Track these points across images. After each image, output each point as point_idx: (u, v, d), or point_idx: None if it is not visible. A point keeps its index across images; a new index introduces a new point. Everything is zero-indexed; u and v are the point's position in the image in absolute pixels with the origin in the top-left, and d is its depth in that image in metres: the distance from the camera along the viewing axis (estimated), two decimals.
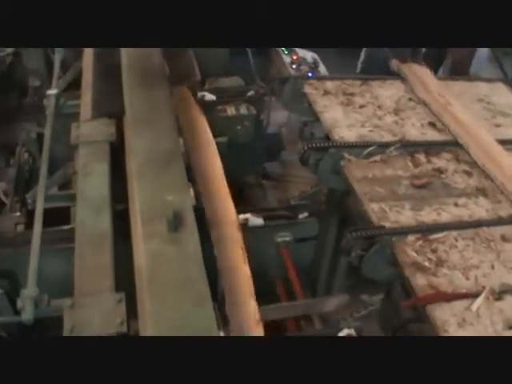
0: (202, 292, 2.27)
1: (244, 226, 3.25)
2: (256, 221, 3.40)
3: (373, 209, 2.94)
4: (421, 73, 3.97)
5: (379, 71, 4.16)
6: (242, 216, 3.32)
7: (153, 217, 2.53)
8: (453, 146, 3.32)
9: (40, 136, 4.16)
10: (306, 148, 3.28)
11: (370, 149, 3.28)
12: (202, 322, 2.18)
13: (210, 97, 3.98)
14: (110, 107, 3.33)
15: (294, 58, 5.36)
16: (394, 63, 4.10)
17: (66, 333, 2.22)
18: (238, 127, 3.83)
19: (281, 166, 4.58)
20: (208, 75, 4.39)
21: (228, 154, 3.84)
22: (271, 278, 3.41)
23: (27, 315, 2.28)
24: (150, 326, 2.18)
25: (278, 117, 4.21)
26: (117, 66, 3.66)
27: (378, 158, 3.26)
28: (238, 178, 4.20)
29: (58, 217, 3.16)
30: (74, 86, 3.94)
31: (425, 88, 3.80)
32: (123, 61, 3.66)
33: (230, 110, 3.87)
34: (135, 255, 2.50)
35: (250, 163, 4.12)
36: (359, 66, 5.88)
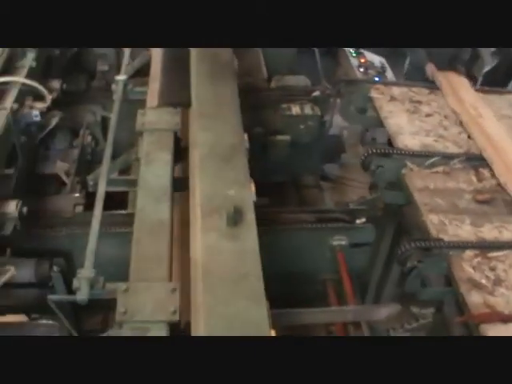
0: (256, 289, 2.26)
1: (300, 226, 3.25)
2: None
3: (432, 220, 2.90)
4: (456, 82, 3.90)
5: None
6: None
7: (213, 210, 2.53)
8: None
9: (104, 119, 4.22)
10: (368, 153, 3.26)
11: (434, 159, 3.24)
12: (254, 319, 2.17)
13: None
14: (177, 97, 3.36)
15: (362, 61, 5.33)
16: (429, 69, 4.03)
17: (118, 316, 2.25)
18: (302, 126, 3.81)
19: (340, 169, 4.55)
20: (274, 73, 4.38)
21: (289, 153, 3.85)
22: (322, 280, 3.38)
23: (82, 295, 2.31)
24: (202, 319, 2.18)
25: (340, 119, 4.17)
26: (186, 57, 3.68)
27: (440, 169, 3.22)
28: (297, 177, 4.19)
29: (115, 201, 3.19)
30: (141, 72, 3.98)
31: (457, 98, 3.72)
32: (192, 52, 3.68)
33: (295, 109, 3.86)
34: (192, 247, 2.50)
35: (310, 163, 4.10)
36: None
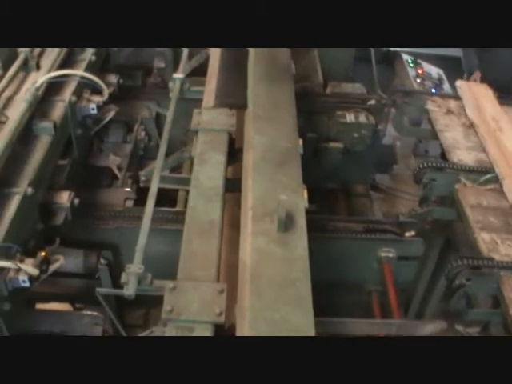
0: (304, 295, 2.24)
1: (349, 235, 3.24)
2: None
3: (483, 238, 2.86)
4: (478, 92, 3.82)
5: None
6: None
7: (264, 214, 2.52)
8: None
9: (158, 116, 4.26)
10: (422, 166, 3.22)
11: (489, 176, 3.18)
12: (300, 326, 2.15)
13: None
14: (233, 98, 3.36)
15: (419, 71, 5.27)
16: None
17: (164, 314, 2.25)
18: (355, 135, 3.79)
19: (391, 180, 4.50)
20: (330, 78, 4.36)
21: (341, 160, 3.83)
22: (367, 291, 3.36)
23: (130, 290, 2.32)
24: (247, 322, 2.18)
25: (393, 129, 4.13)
26: (244, 57, 3.69)
27: (495, 186, 3.16)
28: (347, 185, 4.16)
29: (164, 198, 3.21)
30: (198, 72, 4.01)
31: (478, 109, 3.64)
32: (251, 53, 3.68)
33: (349, 117, 3.84)
34: (241, 248, 2.50)
35: (361, 172, 4.08)
36: None
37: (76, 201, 3.07)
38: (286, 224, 2.45)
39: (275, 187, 2.66)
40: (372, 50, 4.99)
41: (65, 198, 3.04)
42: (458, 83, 3.97)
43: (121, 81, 3.97)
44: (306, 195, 2.66)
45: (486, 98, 3.81)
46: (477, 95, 3.81)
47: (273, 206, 2.51)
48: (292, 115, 3.13)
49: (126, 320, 3.61)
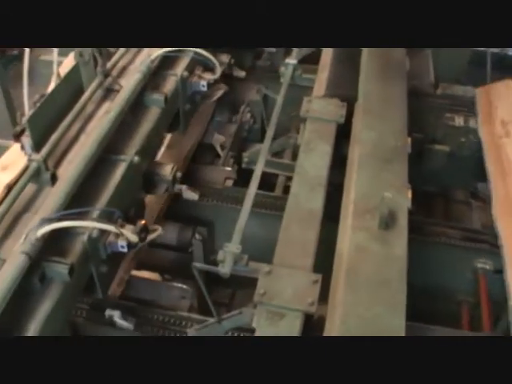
0: (398, 296, 2.23)
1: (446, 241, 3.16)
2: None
3: None
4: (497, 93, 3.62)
5: None
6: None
7: (366, 210, 2.51)
8: None
9: (265, 99, 4.27)
10: None
11: None
12: (391, 327, 2.13)
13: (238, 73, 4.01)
14: (344, 90, 3.33)
15: None
16: None
17: (256, 297, 2.27)
18: (463, 139, 3.69)
19: None
20: (442, 79, 4.26)
21: (445, 164, 3.74)
22: (458, 301, 3.27)
23: (226, 269, 2.35)
24: (338, 316, 2.17)
25: None
26: (357, 50, 3.65)
27: None
28: (447, 190, 4.07)
29: (262, 181, 3.22)
30: (308, 59, 3.99)
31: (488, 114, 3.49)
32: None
33: (458, 120, 3.74)
34: (339, 242, 2.49)
35: (464, 178, 3.97)
36: None
37: (178, 174, 3.12)
38: (388, 222, 2.42)
39: (379, 184, 2.63)
40: (488, 53, 4.84)
41: (168, 170, 3.09)
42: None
43: (232, 61, 3.99)
44: (410, 195, 2.62)
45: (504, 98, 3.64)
46: (492, 97, 3.65)
47: (375, 202, 2.49)
48: (403, 113, 3.08)
49: (212, 297, 3.66)
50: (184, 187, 3.20)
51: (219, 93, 3.81)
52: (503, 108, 3.60)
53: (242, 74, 4.15)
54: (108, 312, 2.73)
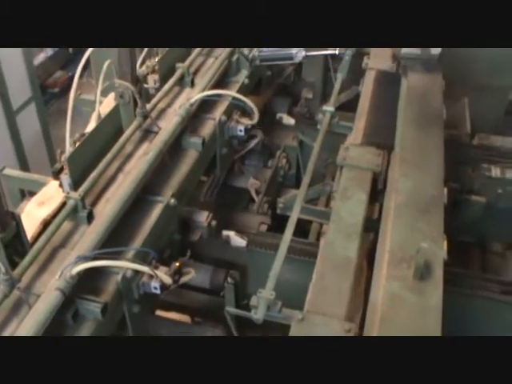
0: None
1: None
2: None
3: None
4: None
5: None
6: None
7: (401, 259, 2.48)
8: None
9: (301, 145, 4.30)
10: None
11: None
12: None
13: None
14: (381, 138, 3.33)
15: None
16: None
17: None
18: (499, 191, 3.64)
19: None
20: (478, 129, 4.25)
21: (481, 215, 3.70)
22: None
23: (259, 314, 2.35)
24: None
25: None
26: (395, 97, 3.66)
27: None
28: (484, 241, 4.01)
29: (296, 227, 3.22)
30: (346, 106, 4.02)
31: None
32: (402, 94, 3.65)
33: (495, 171, 3.69)
34: (373, 290, 2.46)
35: (501, 229, 3.90)
36: None
37: (213, 222, 3.14)
38: (423, 272, 2.39)
39: (415, 234, 2.61)
40: None
41: (204, 217, 3.12)
42: None
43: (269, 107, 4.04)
44: (446, 246, 2.59)
45: None
46: None
47: (411, 252, 2.46)
48: (439, 162, 3.06)
49: None
50: (232, 234, 3.23)
51: (257, 138, 3.84)
52: None
53: (292, 121, 4.21)
54: None
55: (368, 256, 2.75)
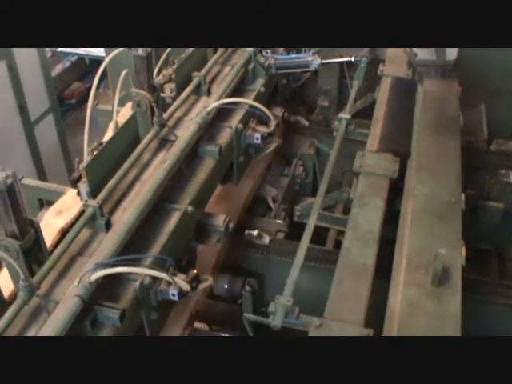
0: None
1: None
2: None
3: None
4: None
5: None
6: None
7: (419, 265, 2.48)
8: None
9: (317, 152, 4.30)
10: None
11: None
12: None
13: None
14: (397, 145, 3.34)
15: None
16: None
17: None
18: None
19: None
20: (496, 135, 4.23)
21: (499, 221, 3.68)
22: None
23: (276, 321, 2.35)
24: None
25: None
26: (411, 104, 3.66)
27: None
28: (502, 248, 3.99)
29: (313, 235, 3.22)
30: (361, 114, 4.02)
31: None
32: (418, 101, 3.65)
33: None
34: (390, 297, 2.46)
35: None
36: None
37: (231, 225, 3.13)
38: (441, 279, 2.39)
39: (433, 240, 2.61)
40: None
41: (221, 220, 3.11)
42: None
43: (285, 115, 4.04)
44: (464, 252, 2.59)
45: None
46: None
47: (429, 258, 2.46)
48: (456, 168, 3.06)
49: None
50: (256, 232, 3.25)
51: (273, 146, 3.84)
52: None
53: (306, 122, 4.22)
54: None
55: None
